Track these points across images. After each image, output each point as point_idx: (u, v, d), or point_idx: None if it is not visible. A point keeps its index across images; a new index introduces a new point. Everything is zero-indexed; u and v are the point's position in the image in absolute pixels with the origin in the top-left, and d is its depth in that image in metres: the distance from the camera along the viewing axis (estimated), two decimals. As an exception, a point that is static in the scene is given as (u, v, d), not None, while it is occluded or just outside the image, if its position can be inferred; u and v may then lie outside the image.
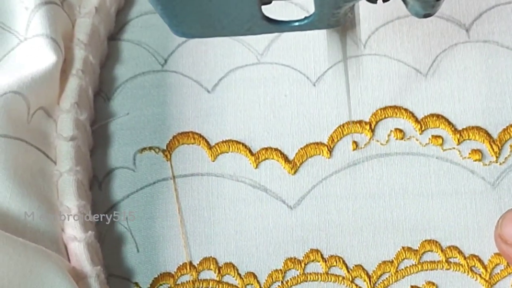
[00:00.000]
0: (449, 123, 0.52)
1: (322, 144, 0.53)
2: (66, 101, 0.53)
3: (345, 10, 0.39)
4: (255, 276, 0.51)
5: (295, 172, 0.53)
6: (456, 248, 0.50)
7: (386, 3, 0.43)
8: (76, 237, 0.49)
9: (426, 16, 0.42)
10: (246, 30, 0.40)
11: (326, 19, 0.40)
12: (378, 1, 0.42)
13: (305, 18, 0.40)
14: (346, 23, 0.45)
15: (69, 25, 0.54)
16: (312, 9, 0.41)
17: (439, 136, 0.52)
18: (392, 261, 0.50)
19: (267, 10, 0.42)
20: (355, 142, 0.53)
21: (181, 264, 0.52)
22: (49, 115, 0.52)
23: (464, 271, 0.50)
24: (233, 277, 0.51)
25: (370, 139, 0.53)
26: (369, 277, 0.50)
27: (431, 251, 0.50)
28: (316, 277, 0.51)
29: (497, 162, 0.51)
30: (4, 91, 0.50)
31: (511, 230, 0.46)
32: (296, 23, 0.40)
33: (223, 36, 0.41)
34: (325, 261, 0.51)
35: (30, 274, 0.45)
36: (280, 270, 0.51)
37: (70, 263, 0.49)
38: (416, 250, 0.50)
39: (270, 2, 0.41)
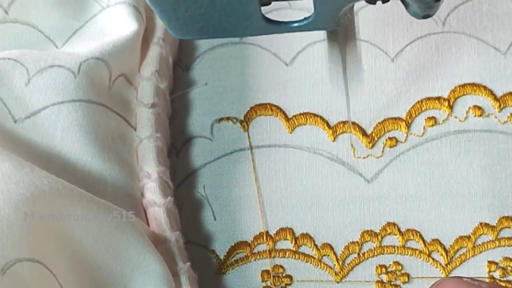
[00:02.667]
0: (529, 101, 0.52)
1: (400, 119, 0.53)
2: (147, 69, 0.53)
3: (345, 11, 0.39)
4: (331, 248, 0.51)
5: (372, 146, 0.53)
6: (536, 223, 0.50)
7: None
8: (156, 202, 0.50)
9: (425, 17, 0.41)
10: (245, 30, 0.40)
11: (325, 20, 0.40)
12: (377, 2, 0.42)
13: (305, 18, 0.40)
14: (347, 34, 0.44)
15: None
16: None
17: (518, 114, 0.52)
18: (469, 236, 0.50)
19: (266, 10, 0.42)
20: (433, 118, 0.53)
21: (257, 233, 0.52)
22: (130, 82, 0.53)
23: (542, 248, 0.49)
24: (310, 247, 0.51)
25: (448, 115, 0.53)
26: (446, 251, 0.50)
27: (509, 227, 0.50)
28: (393, 250, 0.51)
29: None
30: (87, 57, 0.50)
31: None
32: (296, 24, 0.40)
33: (222, 37, 0.41)
34: (402, 235, 0.51)
35: (113, 233, 0.45)
36: (357, 242, 0.51)
37: (149, 227, 0.49)
38: (494, 226, 0.50)
39: (269, 3, 0.41)
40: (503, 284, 0.49)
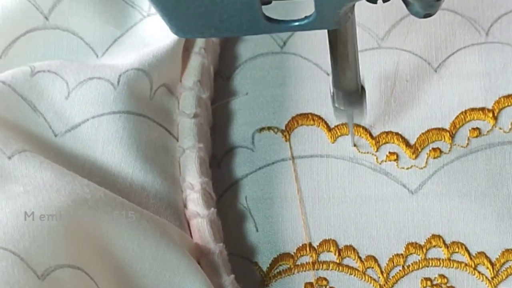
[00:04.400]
0: None
1: (444, 129, 0.53)
2: (188, 79, 0.53)
3: (345, 10, 0.39)
4: (375, 260, 0.51)
5: (416, 157, 0.52)
6: None
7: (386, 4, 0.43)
8: (199, 213, 0.49)
9: (426, 16, 0.41)
10: (246, 30, 0.40)
11: (326, 19, 0.39)
12: (378, 2, 0.42)
13: (305, 18, 0.40)
14: (346, 34, 0.44)
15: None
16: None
17: None
18: (516, 249, 0.50)
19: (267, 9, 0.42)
20: (477, 129, 0.52)
21: (300, 245, 0.52)
22: (171, 92, 0.53)
23: None
24: (354, 260, 0.51)
25: (493, 126, 0.52)
26: (492, 264, 0.50)
27: (551, 241, 0.50)
28: (438, 262, 0.50)
29: None
30: (127, 68, 0.50)
31: None
32: (296, 23, 0.40)
33: (223, 36, 0.41)
34: (447, 247, 0.50)
35: (160, 241, 0.45)
36: (401, 254, 0.51)
37: (193, 239, 0.49)
38: (541, 240, 0.50)
39: (270, 2, 0.40)
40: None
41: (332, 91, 0.47)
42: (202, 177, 0.50)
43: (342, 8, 0.39)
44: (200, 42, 0.54)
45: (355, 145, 0.52)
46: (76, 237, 0.41)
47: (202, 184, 0.50)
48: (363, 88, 0.47)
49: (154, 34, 0.52)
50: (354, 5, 0.41)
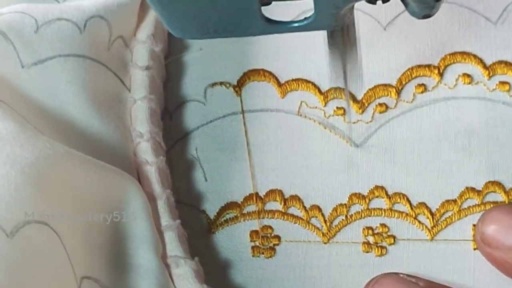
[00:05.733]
0: (518, 70, 0.53)
1: (390, 85, 0.54)
2: (143, 32, 0.54)
3: (345, 10, 0.40)
4: (319, 209, 0.52)
5: (362, 112, 0.54)
6: (519, 190, 0.51)
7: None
8: (147, 161, 0.51)
9: (425, 17, 0.42)
10: (246, 30, 0.41)
11: (325, 20, 0.40)
12: (377, 2, 0.42)
13: (305, 19, 0.40)
14: (346, 35, 0.45)
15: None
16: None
17: (506, 82, 0.53)
18: (456, 200, 0.51)
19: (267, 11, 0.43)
20: (423, 85, 0.54)
21: (247, 194, 0.53)
22: (127, 44, 0.54)
23: (527, 213, 0.50)
24: (298, 209, 0.52)
25: (438, 82, 0.54)
26: (432, 214, 0.51)
27: (495, 192, 0.51)
28: (380, 212, 0.52)
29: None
30: (92, 14, 0.51)
31: (492, 231, 0.46)
32: (296, 24, 0.41)
33: (222, 37, 0.42)
34: (389, 198, 0.52)
35: (113, 190, 0.46)
36: (345, 204, 0.52)
37: (141, 186, 0.50)
38: (480, 191, 0.51)
39: (269, 3, 0.41)
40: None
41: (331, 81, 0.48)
42: (152, 127, 0.51)
43: (342, 9, 0.39)
44: (155, -2, 0.55)
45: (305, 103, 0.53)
46: (42, 193, 0.42)
47: (151, 133, 0.51)
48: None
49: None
50: (353, 6, 0.42)
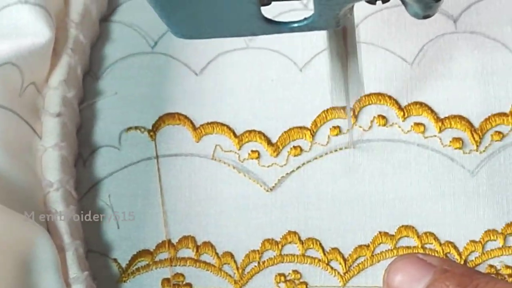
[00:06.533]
0: (432, 111, 0.53)
1: (305, 128, 0.53)
2: (54, 78, 0.54)
3: (345, 11, 0.39)
4: (232, 256, 0.51)
5: (277, 155, 0.53)
6: (432, 234, 0.50)
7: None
8: (57, 211, 0.50)
9: (425, 17, 0.42)
10: (246, 31, 0.41)
11: (325, 20, 0.40)
12: (377, 2, 0.42)
13: (305, 19, 0.40)
14: (346, 34, 0.44)
15: (62, 4, 0.55)
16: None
17: (421, 124, 0.53)
18: (368, 245, 0.51)
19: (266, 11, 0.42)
20: (338, 128, 0.53)
21: (160, 242, 0.52)
22: (39, 91, 0.53)
23: (439, 257, 0.50)
24: (211, 256, 0.52)
25: (353, 124, 0.53)
26: (344, 260, 0.51)
27: (408, 236, 0.51)
28: (293, 258, 0.51)
29: (477, 151, 0.52)
30: (4, 60, 0.50)
31: (398, 282, 0.45)
32: (296, 24, 0.41)
33: (223, 37, 0.42)
34: (302, 243, 0.51)
35: (22, 240, 0.45)
36: (258, 250, 0.51)
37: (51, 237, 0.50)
38: (393, 235, 0.51)
39: (269, 3, 0.41)
40: None
41: (331, 87, 0.47)
42: (63, 175, 0.51)
43: (342, 9, 0.39)
44: (69, 43, 0.55)
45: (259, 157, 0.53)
46: None
47: (62, 182, 0.51)
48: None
49: (29, 24, 0.52)
50: (353, 6, 0.41)
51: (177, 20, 0.40)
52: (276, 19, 0.41)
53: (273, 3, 0.41)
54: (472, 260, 0.50)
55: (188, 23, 0.40)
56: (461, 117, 0.52)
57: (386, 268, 0.45)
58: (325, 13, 0.39)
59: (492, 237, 0.50)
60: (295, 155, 0.53)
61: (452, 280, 0.42)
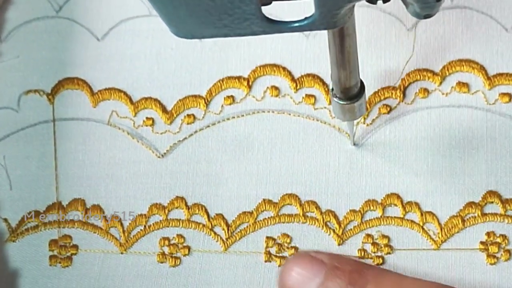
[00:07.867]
0: (324, 83, 0.53)
1: (200, 96, 0.54)
2: (-45, 39, 0.54)
3: (345, 10, 0.40)
4: (120, 220, 0.52)
5: (171, 123, 0.54)
6: (314, 203, 0.51)
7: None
8: None
9: (426, 17, 0.41)
10: (246, 30, 0.40)
11: (326, 20, 0.40)
12: (378, 2, 0.42)
13: (305, 18, 0.40)
14: (346, 34, 0.44)
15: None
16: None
17: (312, 95, 0.53)
18: (252, 212, 0.51)
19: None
20: (231, 97, 0.54)
21: (50, 203, 0.53)
22: None
23: (319, 226, 0.51)
24: (99, 219, 0.52)
25: (246, 94, 0.54)
26: (227, 225, 0.51)
27: (290, 204, 0.51)
28: (178, 223, 0.52)
29: (364, 123, 0.52)
30: None
31: (292, 282, 0.46)
32: (296, 24, 0.40)
33: (224, 37, 0.42)
34: (188, 209, 0.52)
35: None
36: (144, 214, 0.52)
37: None
38: (276, 203, 0.51)
39: (269, 3, 0.41)
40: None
41: (332, 87, 0.48)
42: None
43: (342, 8, 0.39)
44: (-29, 5, 0.55)
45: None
46: None
47: (-46, 141, 0.51)
48: (362, 84, 0.48)
49: None
50: (353, 6, 0.41)
51: (177, 19, 0.40)
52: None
53: (273, 2, 0.41)
54: (351, 229, 0.51)
55: (188, 22, 0.40)
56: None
57: (281, 266, 0.46)
58: (326, 12, 0.39)
59: (372, 207, 0.51)
60: (188, 123, 0.54)
61: (343, 278, 0.44)
